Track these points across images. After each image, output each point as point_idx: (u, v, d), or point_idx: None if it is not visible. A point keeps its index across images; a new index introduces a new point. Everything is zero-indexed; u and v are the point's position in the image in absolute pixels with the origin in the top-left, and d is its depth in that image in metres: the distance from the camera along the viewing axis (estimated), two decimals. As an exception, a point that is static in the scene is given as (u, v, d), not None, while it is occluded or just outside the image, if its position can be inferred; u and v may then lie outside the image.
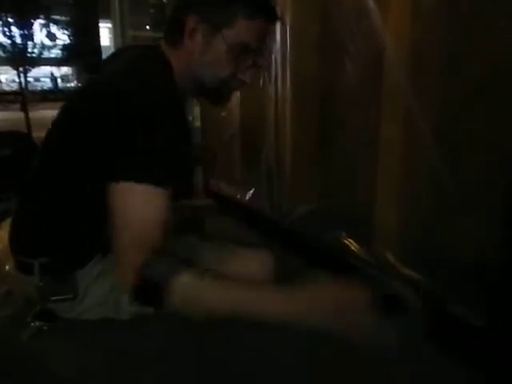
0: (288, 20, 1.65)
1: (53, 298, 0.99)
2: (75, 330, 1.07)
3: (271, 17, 0.90)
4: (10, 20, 17.32)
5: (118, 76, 0.88)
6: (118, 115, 0.82)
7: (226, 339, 1.10)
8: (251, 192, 2.03)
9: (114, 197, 0.83)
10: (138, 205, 0.84)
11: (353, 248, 1.45)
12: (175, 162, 0.84)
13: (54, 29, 18.28)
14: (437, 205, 1.23)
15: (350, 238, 1.47)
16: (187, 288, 0.77)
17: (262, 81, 1.87)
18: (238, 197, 2.11)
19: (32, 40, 17.35)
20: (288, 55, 1.68)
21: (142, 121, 0.81)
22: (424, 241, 1.29)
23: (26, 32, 17.36)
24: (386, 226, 1.37)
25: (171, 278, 0.77)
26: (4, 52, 16.71)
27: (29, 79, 19.01)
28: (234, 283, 0.79)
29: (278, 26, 1.68)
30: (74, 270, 1.01)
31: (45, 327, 1.05)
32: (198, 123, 3.18)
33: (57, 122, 0.94)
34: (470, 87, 1.12)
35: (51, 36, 18.33)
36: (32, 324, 1.05)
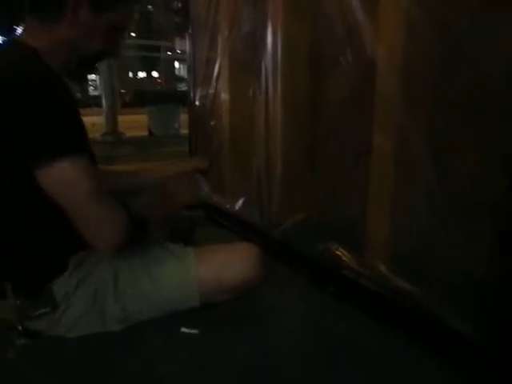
0: (279, 31, 1.65)
1: (31, 315, 0.97)
2: (61, 347, 1.04)
3: (138, 4, 1.13)
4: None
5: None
6: (9, 108, 0.86)
7: (217, 347, 1.09)
8: (241, 202, 2.02)
9: (45, 183, 0.88)
10: (71, 177, 0.89)
11: (345, 258, 1.45)
12: (71, 132, 0.91)
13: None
14: (429, 215, 1.23)
15: (342, 249, 1.46)
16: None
17: (251, 91, 1.87)
18: (228, 206, 2.10)
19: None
20: (279, 65, 1.68)
21: (31, 106, 0.86)
22: (416, 251, 1.29)
23: (9, 38, 17.10)
24: (378, 236, 1.37)
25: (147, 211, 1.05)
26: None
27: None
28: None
29: (269, 37, 1.69)
30: (48, 281, 0.99)
31: (31, 345, 1.03)
32: (185, 131, 3.18)
33: None
34: (461, 98, 1.14)
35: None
36: (17, 342, 1.02)
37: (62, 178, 0.88)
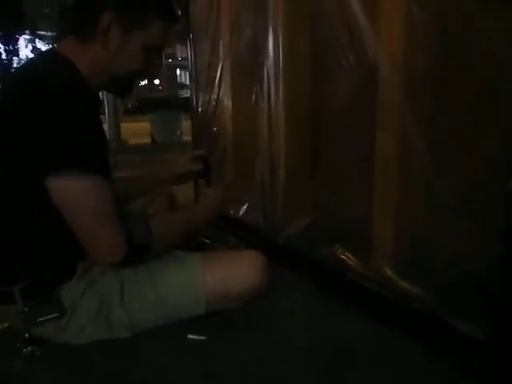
0: (280, 35, 1.66)
1: (39, 320, 0.97)
2: (68, 355, 1.04)
3: (176, 20, 1.05)
4: (-5, 35, 17.22)
5: (31, 83, 0.92)
6: (37, 117, 0.87)
7: (224, 354, 1.09)
8: (245, 207, 2.02)
9: (57, 194, 0.89)
10: (83, 195, 0.90)
11: (349, 262, 1.44)
12: (98, 151, 0.92)
13: (39, 44, 18.17)
14: (433, 216, 1.23)
15: (347, 253, 1.46)
16: (158, 235, 1.02)
17: (254, 95, 1.88)
18: (232, 212, 2.09)
19: (17, 55, 17.21)
20: (281, 70, 1.68)
21: (63, 118, 0.87)
22: (422, 253, 1.29)
23: (11, 47, 17.25)
24: (382, 239, 1.36)
25: (150, 235, 1.00)
26: (-12, 67, 16.54)
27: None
28: (173, 217, 1.20)
29: (270, 42, 1.70)
30: (57, 286, 0.99)
31: (37, 353, 1.03)
32: (188, 138, 3.18)
33: None
34: (463, 101, 1.14)
35: (37, 51, 18.20)
36: (24, 350, 1.01)
37: (75, 194, 0.90)
